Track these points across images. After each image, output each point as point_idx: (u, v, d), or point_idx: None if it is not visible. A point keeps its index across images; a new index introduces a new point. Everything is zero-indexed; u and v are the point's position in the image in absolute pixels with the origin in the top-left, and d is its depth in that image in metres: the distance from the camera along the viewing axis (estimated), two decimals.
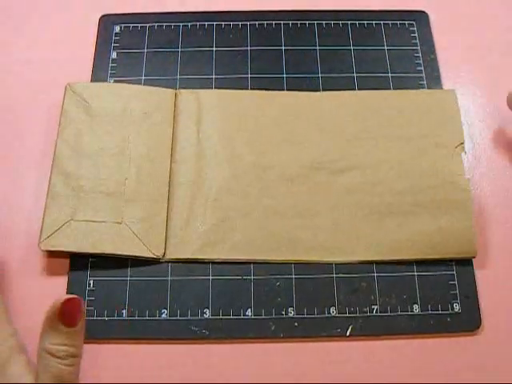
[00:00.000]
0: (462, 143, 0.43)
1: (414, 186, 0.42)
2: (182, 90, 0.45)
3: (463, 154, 0.43)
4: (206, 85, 0.46)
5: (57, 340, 0.31)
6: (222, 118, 0.44)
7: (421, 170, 0.43)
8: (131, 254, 0.40)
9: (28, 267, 0.41)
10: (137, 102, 0.44)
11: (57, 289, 0.40)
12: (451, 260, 0.41)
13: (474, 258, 0.41)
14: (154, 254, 0.40)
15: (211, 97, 0.45)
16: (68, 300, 0.31)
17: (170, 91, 0.45)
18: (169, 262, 0.41)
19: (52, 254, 0.41)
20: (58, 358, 0.31)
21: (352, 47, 0.48)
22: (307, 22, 0.49)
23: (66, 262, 0.41)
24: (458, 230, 0.41)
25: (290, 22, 0.49)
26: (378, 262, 0.41)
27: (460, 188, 0.42)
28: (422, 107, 0.45)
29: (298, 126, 0.44)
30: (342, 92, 0.46)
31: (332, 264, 0.41)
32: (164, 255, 0.41)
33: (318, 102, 0.45)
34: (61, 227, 0.40)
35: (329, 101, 0.45)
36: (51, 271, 0.41)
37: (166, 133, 0.44)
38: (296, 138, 0.44)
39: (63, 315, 0.31)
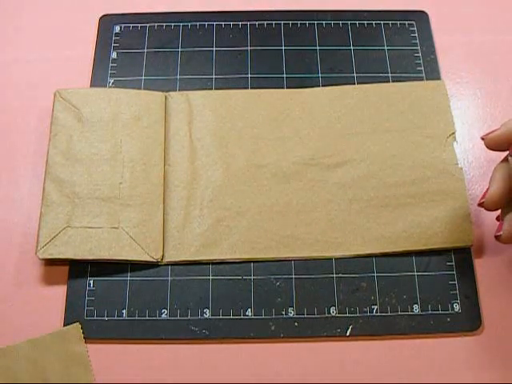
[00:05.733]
0: (453, 133, 0.44)
1: (408, 177, 0.42)
2: (172, 93, 0.45)
3: (455, 143, 0.43)
4: (205, 85, 0.46)
5: None
6: (214, 119, 0.44)
7: (414, 162, 0.43)
8: (130, 258, 0.40)
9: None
10: (127, 106, 0.44)
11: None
12: (449, 250, 0.41)
13: (471, 246, 0.41)
14: (152, 257, 0.40)
15: (201, 98, 0.45)
16: None
17: (160, 94, 0.45)
18: (168, 264, 0.41)
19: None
20: None
21: (352, 47, 0.48)
22: (307, 22, 0.49)
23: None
24: (453, 220, 0.41)
25: (290, 22, 0.49)
26: (376, 256, 0.41)
27: (454, 177, 0.42)
28: (411, 99, 0.45)
29: (289, 123, 0.44)
30: (331, 88, 0.46)
31: (332, 263, 0.41)
32: (163, 258, 0.40)
33: (308, 99, 0.45)
34: (57, 235, 0.40)
35: (319, 97, 0.45)
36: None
37: (158, 136, 0.43)
38: (288, 134, 0.44)
39: None
